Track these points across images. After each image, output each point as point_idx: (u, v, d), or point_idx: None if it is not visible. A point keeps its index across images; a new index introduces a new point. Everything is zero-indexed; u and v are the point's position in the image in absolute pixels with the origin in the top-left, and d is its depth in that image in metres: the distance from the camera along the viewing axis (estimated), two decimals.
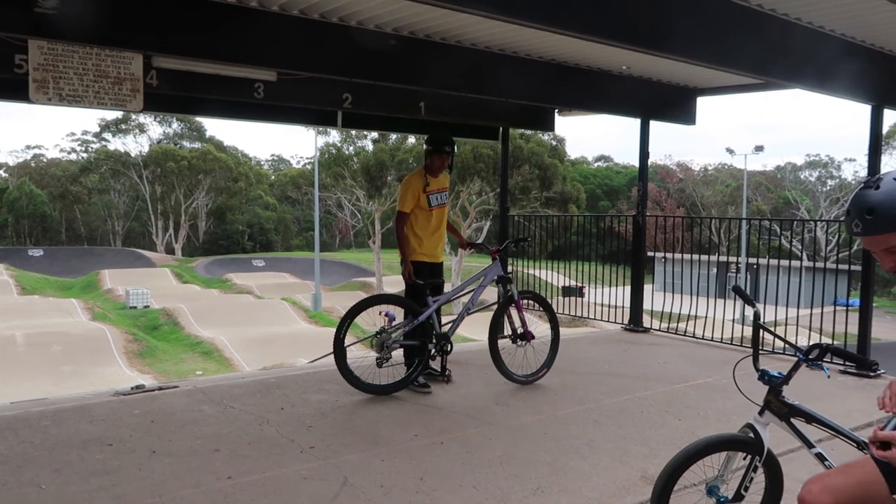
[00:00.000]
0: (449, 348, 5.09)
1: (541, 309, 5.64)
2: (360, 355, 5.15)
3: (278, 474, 3.49)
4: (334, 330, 4.85)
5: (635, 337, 7.39)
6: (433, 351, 4.99)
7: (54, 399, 4.97)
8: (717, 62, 4.61)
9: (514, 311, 5.26)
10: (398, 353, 5.07)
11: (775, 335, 2.65)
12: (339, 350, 4.80)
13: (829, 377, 2.27)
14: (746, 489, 2.51)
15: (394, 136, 35.16)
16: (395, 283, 38.14)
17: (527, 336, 5.22)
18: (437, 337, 5.02)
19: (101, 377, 18.60)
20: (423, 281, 5.09)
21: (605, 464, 3.71)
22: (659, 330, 7.71)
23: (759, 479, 2.54)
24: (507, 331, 5.29)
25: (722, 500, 2.54)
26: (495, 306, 5.57)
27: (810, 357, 2.19)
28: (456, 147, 5.37)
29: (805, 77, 5.07)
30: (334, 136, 38.92)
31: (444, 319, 5.32)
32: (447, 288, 5.73)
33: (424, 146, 5.37)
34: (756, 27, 4.54)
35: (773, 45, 4.75)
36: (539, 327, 5.54)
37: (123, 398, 4.80)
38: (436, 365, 5.26)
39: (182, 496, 3.22)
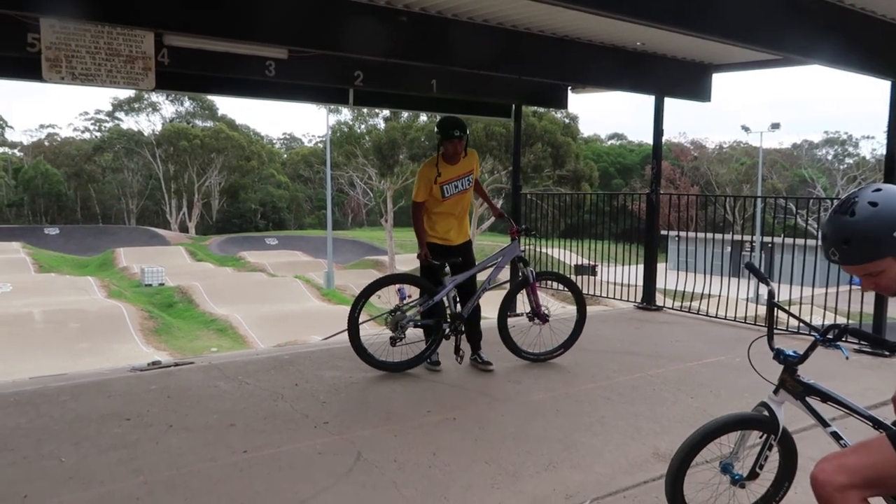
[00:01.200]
0: (463, 328, 5.10)
1: (565, 289, 5.57)
2: (373, 333, 5.19)
3: (293, 449, 3.54)
4: (347, 308, 4.88)
5: (648, 315, 7.38)
6: (447, 330, 5.00)
7: (73, 374, 5.05)
8: (734, 38, 4.53)
9: (529, 293, 5.24)
10: (413, 333, 5.09)
11: (791, 314, 2.63)
12: (353, 328, 4.83)
13: (847, 358, 2.25)
14: (761, 467, 2.52)
15: (405, 114, 34.99)
16: (407, 262, 38.23)
17: (541, 316, 5.22)
18: (452, 317, 5.03)
19: (118, 353, 18.87)
20: (437, 262, 5.06)
21: (616, 441, 3.73)
22: (672, 308, 7.69)
23: (773, 456, 2.55)
24: (525, 309, 5.29)
25: (736, 477, 2.55)
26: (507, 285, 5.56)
27: (827, 337, 2.17)
28: (468, 130, 5.15)
29: (823, 52, 4.98)
30: (346, 114, 38.82)
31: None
32: None
33: (436, 134, 5.18)
34: (775, 1, 4.46)
35: (791, 20, 4.66)
36: (561, 308, 5.52)
37: (140, 374, 4.87)
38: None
39: (199, 469, 3.27)
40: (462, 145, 5.10)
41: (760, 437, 2.51)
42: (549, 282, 5.70)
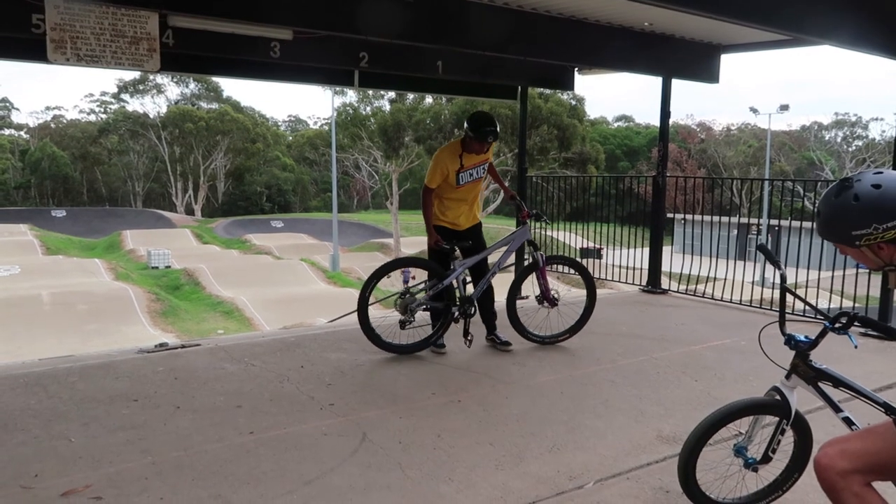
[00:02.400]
0: (472, 311, 5.08)
1: (576, 273, 5.54)
2: (380, 315, 5.21)
3: (299, 430, 3.57)
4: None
5: (653, 298, 7.38)
6: (456, 314, 5.01)
7: (81, 356, 5.09)
8: (747, 18, 4.47)
9: (538, 276, 5.23)
10: (421, 316, 5.10)
11: (802, 300, 2.64)
12: (363, 309, 4.85)
13: (856, 347, 2.24)
14: (774, 451, 2.53)
15: (411, 96, 34.80)
16: (413, 244, 38.25)
17: (550, 300, 5.22)
18: (462, 300, 5.03)
19: (125, 335, 19.01)
20: (447, 245, 5.03)
21: (620, 423, 3.74)
22: (677, 291, 7.68)
23: (787, 440, 2.56)
24: (535, 292, 5.28)
25: (750, 461, 2.57)
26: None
27: (837, 325, 2.16)
28: (497, 128, 5.02)
29: (840, 33, 4.89)
30: (351, 96, 38.63)
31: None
32: None
33: (465, 127, 5.00)
34: None
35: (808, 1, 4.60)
36: (566, 291, 5.52)
37: (147, 356, 4.90)
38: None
39: (206, 450, 3.31)
40: (488, 147, 5.04)
41: (773, 421, 2.52)
42: (559, 265, 5.68)
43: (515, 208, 5.41)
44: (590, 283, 5.44)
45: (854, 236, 1.75)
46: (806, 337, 2.34)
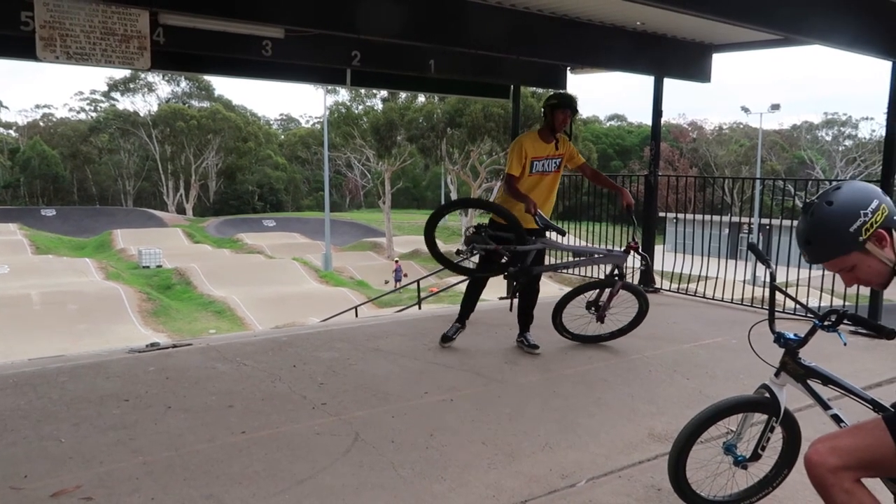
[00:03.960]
0: (523, 281, 4.98)
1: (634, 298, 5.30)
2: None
3: (291, 429, 3.56)
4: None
5: None
6: (512, 270, 4.89)
7: (71, 356, 5.06)
8: (746, 20, 4.48)
9: (608, 294, 5.10)
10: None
11: (791, 298, 2.65)
12: (432, 233, 5.06)
13: (845, 345, 2.26)
14: (763, 448, 2.54)
15: (403, 95, 34.80)
16: (405, 243, 38.23)
17: (600, 315, 5.12)
18: (523, 265, 4.88)
19: (116, 335, 18.92)
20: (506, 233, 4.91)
21: (612, 421, 3.75)
22: (669, 290, 7.70)
23: (777, 439, 2.57)
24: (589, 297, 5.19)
25: (739, 458, 2.58)
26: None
27: (826, 323, 2.17)
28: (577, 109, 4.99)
29: (834, 35, 4.92)
30: (343, 95, 38.64)
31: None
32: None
33: (545, 105, 4.96)
34: None
35: (798, 1, 4.62)
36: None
37: (138, 355, 4.88)
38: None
39: (198, 450, 3.29)
40: (569, 119, 4.94)
41: (762, 419, 2.53)
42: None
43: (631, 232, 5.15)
44: (642, 306, 5.21)
45: (853, 232, 1.75)
46: (795, 335, 2.35)
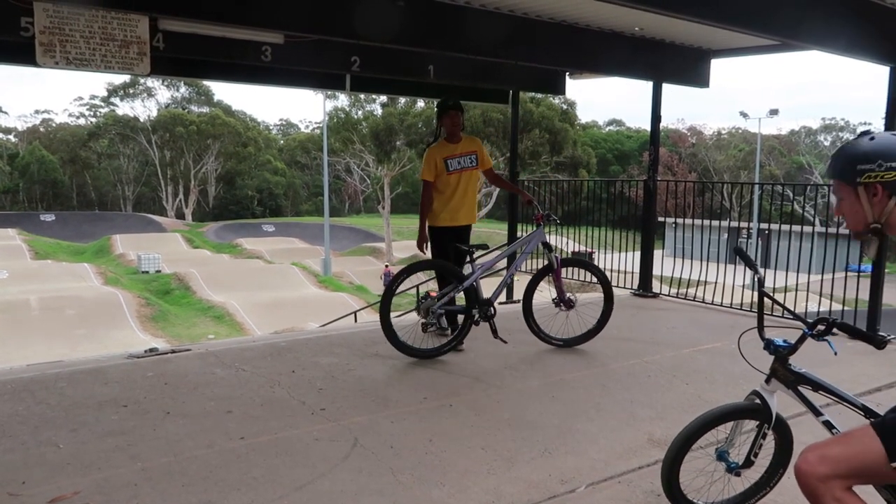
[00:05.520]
0: (492, 312, 5.10)
1: (593, 279, 5.56)
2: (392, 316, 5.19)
3: (290, 435, 3.55)
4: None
5: (644, 302, 7.40)
6: (476, 317, 5.01)
7: (69, 361, 5.06)
8: (742, 25, 4.50)
9: (554, 279, 5.25)
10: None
11: (780, 305, 2.65)
12: (386, 308, 4.89)
13: (836, 354, 2.26)
14: (756, 455, 2.53)
15: (403, 100, 34.83)
16: (404, 248, 38.21)
17: (566, 302, 5.23)
18: (480, 303, 5.03)
19: (115, 340, 18.89)
20: (449, 246, 5.22)
21: (612, 426, 3.75)
22: (668, 295, 7.70)
23: (769, 444, 2.57)
24: (552, 295, 5.31)
25: (732, 465, 2.57)
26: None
27: (814, 333, 2.18)
28: (462, 106, 5.45)
29: (832, 41, 4.94)
30: (343, 100, 38.63)
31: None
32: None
33: (435, 118, 5.52)
34: None
35: (800, 7, 4.63)
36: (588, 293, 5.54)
37: (137, 361, 4.87)
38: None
39: (196, 455, 3.28)
40: (459, 118, 5.38)
41: (755, 426, 2.52)
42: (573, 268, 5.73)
43: (532, 212, 5.48)
44: (604, 283, 5.43)
45: (857, 171, 1.85)
46: (785, 341, 2.35)
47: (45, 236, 40.61)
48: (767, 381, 2.43)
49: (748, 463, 2.56)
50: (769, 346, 2.37)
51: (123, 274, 29.92)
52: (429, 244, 5.52)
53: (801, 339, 2.27)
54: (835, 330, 2.12)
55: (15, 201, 55.21)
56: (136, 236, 39.74)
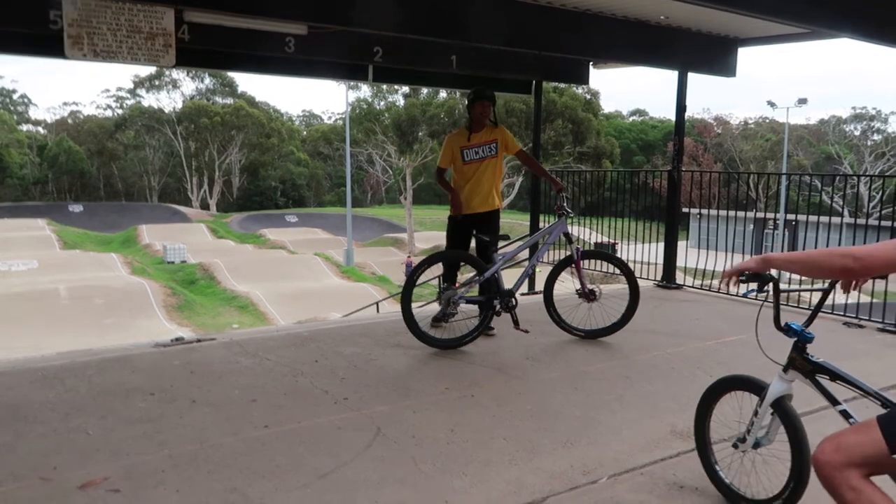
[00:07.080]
0: (514, 303, 5.10)
1: (616, 271, 5.50)
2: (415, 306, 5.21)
3: (313, 424, 3.59)
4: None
5: (668, 293, 7.33)
6: (498, 307, 5.01)
7: (98, 350, 5.15)
8: (772, 14, 4.40)
9: (575, 270, 5.23)
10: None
11: (777, 301, 2.64)
12: (407, 298, 4.92)
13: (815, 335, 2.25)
14: (749, 432, 2.61)
15: (425, 91, 34.77)
16: (426, 239, 38.28)
17: (587, 294, 5.19)
18: (502, 293, 5.03)
19: (142, 329, 19.20)
20: (465, 235, 5.31)
21: (634, 418, 3.73)
22: (692, 287, 7.63)
23: (782, 442, 2.53)
24: (575, 286, 5.29)
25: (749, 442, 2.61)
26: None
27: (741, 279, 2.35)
28: (493, 97, 5.48)
29: (859, 26, 4.82)
30: (365, 91, 38.70)
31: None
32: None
33: (467, 102, 5.54)
34: None
35: None
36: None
37: (164, 350, 4.95)
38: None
39: (222, 443, 3.33)
40: (489, 109, 5.42)
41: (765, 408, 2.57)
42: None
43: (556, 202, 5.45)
44: (632, 279, 5.33)
45: None
46: (801, 327, 2.34)
47: (74, 226, 41.30)
48: (785, 370, 2.43)
49: (752, 441, 2.60)
50: (788, 330, 2.39)
51: (150, 264, 30.35)
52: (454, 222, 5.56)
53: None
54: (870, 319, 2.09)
55: (44, 192, 56.25)
56: (161, 226, 40.26)
